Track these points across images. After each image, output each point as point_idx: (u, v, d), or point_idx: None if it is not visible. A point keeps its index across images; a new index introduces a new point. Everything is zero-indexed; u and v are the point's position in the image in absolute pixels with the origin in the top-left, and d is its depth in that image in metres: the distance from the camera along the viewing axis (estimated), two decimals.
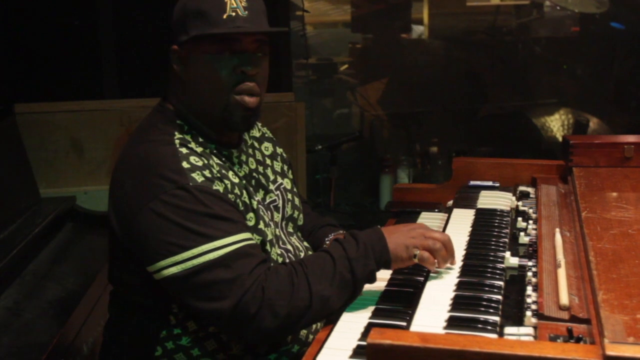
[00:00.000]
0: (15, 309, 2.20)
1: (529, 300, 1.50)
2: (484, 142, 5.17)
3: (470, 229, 2.01)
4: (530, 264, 1.71)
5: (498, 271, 1.69)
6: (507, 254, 1.77)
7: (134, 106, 3.47)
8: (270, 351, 1.74)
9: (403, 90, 5.23)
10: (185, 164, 1.60)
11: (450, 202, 2.29)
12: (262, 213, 1.75)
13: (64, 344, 2.10)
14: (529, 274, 1.63)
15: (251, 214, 1.71)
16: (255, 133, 1.97)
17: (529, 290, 1.54)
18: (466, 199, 2.26)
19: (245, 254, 1.57)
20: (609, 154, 2.21)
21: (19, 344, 2.01)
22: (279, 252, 1.78)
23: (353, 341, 1.49)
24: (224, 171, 1.68)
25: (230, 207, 1.63)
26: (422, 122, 5.21)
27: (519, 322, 1.45)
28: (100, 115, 3.56)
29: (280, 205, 1.88)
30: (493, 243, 1.87)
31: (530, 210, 2.08)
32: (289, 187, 1.95)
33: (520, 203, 2.16)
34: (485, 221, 2.04)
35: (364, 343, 1.41)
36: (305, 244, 1.97)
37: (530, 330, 1.39)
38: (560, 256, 1.62)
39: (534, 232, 1.92)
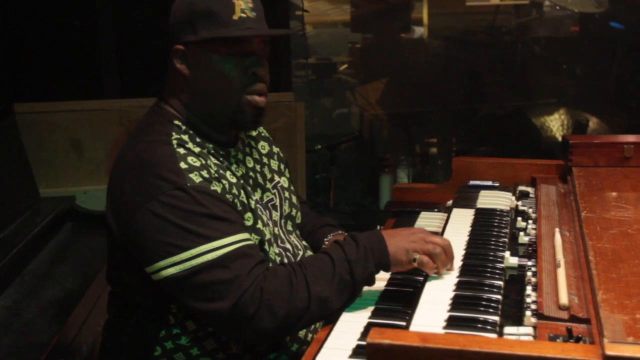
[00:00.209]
0: (14, 309, 2.20)
1: (528, 300, 1.50)
2: (483, 141, 5.17)
3: (469, 228, 2.01)
4: (529, 263, 1.71)
5: (498, 271, 1.69)
6: (507, 253, 1.77)
7: (133, 106, 3.47)
8: (270, 350, 1.74)
9: (403, 90, 5.23)
10: (183, 165, 1.60)
11: (450, 202, 2.29)
12: (260, 212, 1.75)
13: (63, 344, 2.10)
14: (529, 273, 1.63)
15: (249, 214, 1.71)
16: (252, 132, 1.97)
17: (529, 290, 1.54)
18: (466, 198, 2.26)
19: (244, 254, 1.57)
20: (608, 154, 2.21)
21: (19, 343, 2.00)
22: (277, 251, 1.78)
23: (353, 341, 1.49)
24: (221, 171, 1.68)
25: (228, 207, 1.63)
26: (422, 122, 5.22)
27: (519, 321, 1.45)
28: (100, 115, 3.56)
29: (278, 203, 1.88)
30: (493, 243, 1.87)
31: (530, 210, 2.08)
32: (286, 185, 1.95)
33: (519, 203, 2.16)
34: (484, 221, 2.04)
35: (363, 343, 1.41)
36: (304, 242, 1.97)
37: (530, 330, 1.39)
38: (559, 256, 1.62)
39: (533, 231, 1.92)
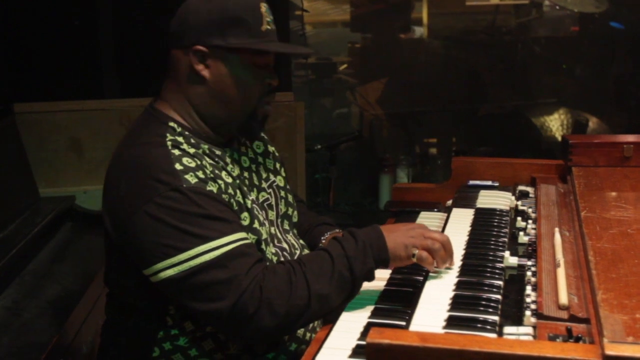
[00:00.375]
0: (14, 309, 2.20)
1: (528, 299, 1.50)
2: (483, 141, 5.18)
3: (469, 228, 2.01)
4: (529, 263, 1.71)
5: (497, 271, 1.69)
6: (507, 253, 1.77)
7: (133, 106, 3.46)
8: (268, 350, 1.74)
9: (402, 90, 5.24)
10: (178, 166, 1.59)
11: (450, 202, 2.29)
12: (256, 212, 1.75)
13: (63, 344, 2.10)
14: (528, 273, 1.63)
15: (245, 214, 1.71)
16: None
17: (528, 289, 1.54)
18: (465, 198, 2.26)
19: (242, 253, 1.57)
20: (608, 154, 2.21)
21: (19, 343, 2.00)
22: (273, 251, 1.78)
23: (352, 341, 1.49)
24: (217, 171, 1.68)
25: (225, 207, 1.62)
26: (422, 122, 5.22)
27: (518, 321, 1.45)
28: (99, 115, 3.56)
29: (274, 203, 1.88)
30: (492, 242, 1.87)
31: (530, 210, 2.08)
32: (282, 184, 1.95)
33: (519, 202, 2.16)
34: (484, 221, 2.04)
35: (363, 342, 1.41)
36: (301, 241, 1.97)
37: (530, 330, 1.39)
38: (559, 256, 1.62)
39: (533, 231, 1.92)
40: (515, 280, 1.67)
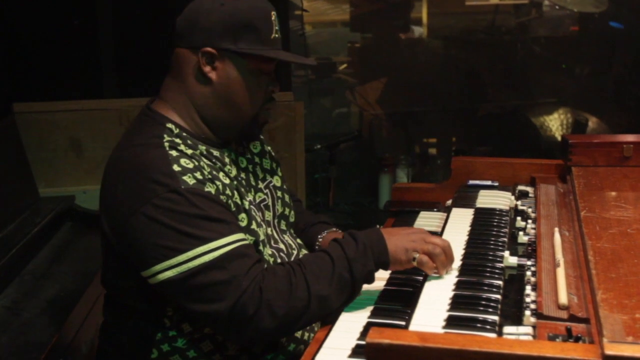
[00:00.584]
0: (14, 309, 2.20)
1: (528, 299, 1.50)
2: (483, 141, 5.18)
3: (469, 228, 2.01)
4: (529, 263, 1.71)
5: (497, 270, 1.69)
6: (506, 253, 1.77)
7: (133, 105, 3.46)
8: (267, 351, 1.73)
9: (402, 89, 5.23)
10: (176, 167, 1.59)
11: (449, 202, 2.29)
12: (253, 213, 1.75)
13: (62, 344, 2.10)
14: (528, 273, 1.63)
15: (243, 215, 1.71)
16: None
17: (528, 289, 1.54)
18: (465, 198, 2.26)
19: (241, 254, 1.57)
20: (608, 154, 2.21)
21: (18, 343, 2.00)
22: (270, 252, 1.78)
23: (352, 340, 1.49)
24: (214, 172, 1.67)
25: (223, 208, 1.62)
26: (421, 122, 5.21)
27: (518, 321, 1.45)
28: (99, 115, 3.56)
29: (270, 204, 1.88)
30: (492, 242, 1.87)
31: (529, 210, 2.08)
32: (278, 184, 1.94)
33: (519, 202, 2.16)
34: (484, 220, 2.04)
35: (362, 342, 1.41)
36: (299, 241, 1.97)
37: (529, 330, 1.39)
38: (559, 255, 1.62)
39: (533, 231, 1.92)
40: (515, 280, 1.67)
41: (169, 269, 1.54)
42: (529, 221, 1.99)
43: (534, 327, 1.39)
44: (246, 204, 1.73)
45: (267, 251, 1.76)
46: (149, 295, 1.65)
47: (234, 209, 1.68)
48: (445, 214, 2.18)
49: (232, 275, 1.53)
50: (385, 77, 5.21)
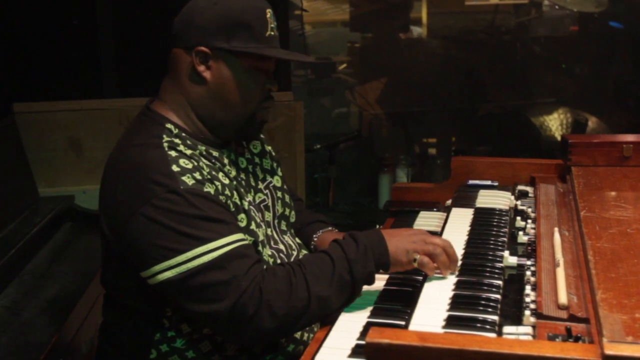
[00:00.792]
0: (14, 309, 2.20)
1: (527, 299, 1.50)
2: (482, 141, 5.18)
3: (469, 228, 2.01)
4: (529, 263, 1.71)
5: (497, 270, 1.69)
6: (506, 253, 1.77)
7: (133, 105, 3.46)
8: (266, 351, 1.73)
9: (402, 89, 5.23)
10: (175, 167, 1.59)
11: (449, 202, 2.29)
12: (253, 214, 1.74)
13: (62, 343, 2.10)
14: (528, 273, 1.63)
15: (242, 215, 1.70)
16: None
17: (528, 289, 1.54)
18: (465, 198, 2.26)
19: (240, 254, 1.56)
20: (607, 153, 2.21)
21: (18, 343, 2.01)
22: (269, 252, 1.77)
23: (352, 340, 1.49)
24: (214, 172, 1.67)
25: (222, 208, 1.62)
26: (421, 122, 5.22)
27: (518, 321, 1.45)
28: (99, 115, 3.55)
29: (270, 204, 1.88)
30: (492, 242, 1.87)
31: (529, 210, 2.08)
32: (278, 185, 1.94)
33: (519, 202, 2.16)
34: (484, 220, 2.04)
35: (362, 342, 1.41)
36: (298, 240, 1.97)
37: (529, 330, 1.39)
38: (559, 255, 1.62)
39: (532, 231, 1.92)
40: (515, 280, 1.67)
41: (168, 270, 1.54)
42: (529, 221, 1.99)
43: (533, 327, 1.39)
44: (245, 204, 1.73)
45: (267, 252, 1.76)
46: (149, 296, 1.65)
47: (233, 209, 1.67)
48: (445, 214, 2.18)
49: (232, 275, 1.53)
50: (385, 77, 5.21)
